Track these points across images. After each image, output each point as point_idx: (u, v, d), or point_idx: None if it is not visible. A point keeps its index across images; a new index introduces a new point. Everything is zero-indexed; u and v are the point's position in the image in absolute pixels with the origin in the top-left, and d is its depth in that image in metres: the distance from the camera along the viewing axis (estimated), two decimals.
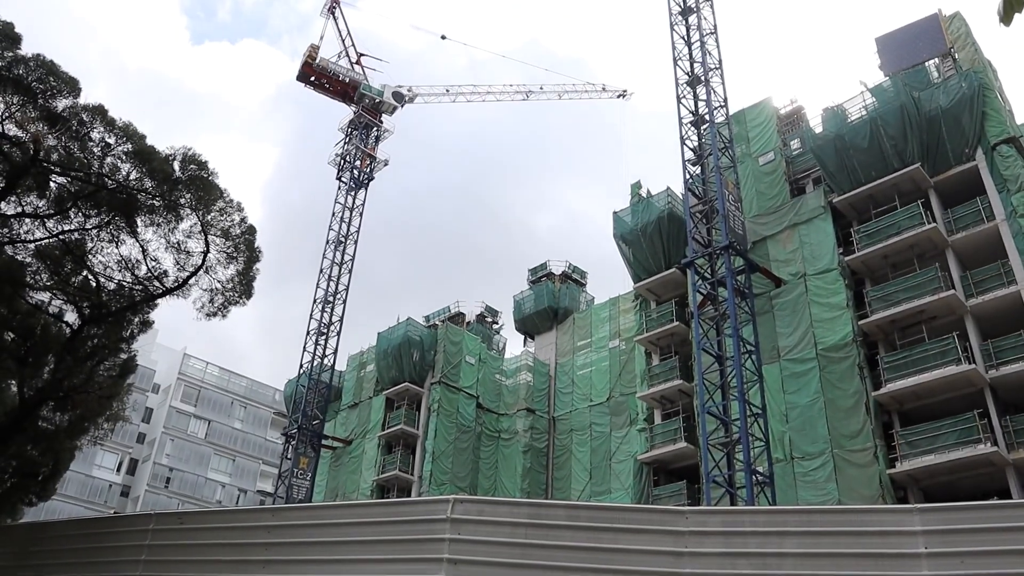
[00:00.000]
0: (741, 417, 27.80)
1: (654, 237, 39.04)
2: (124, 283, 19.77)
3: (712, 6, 36.48)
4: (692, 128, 34.53)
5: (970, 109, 30.20)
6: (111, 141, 17.98)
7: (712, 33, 35.78)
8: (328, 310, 48.36)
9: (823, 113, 34.29)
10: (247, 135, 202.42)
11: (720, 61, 35.28)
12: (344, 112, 55.40)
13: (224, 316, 20.22)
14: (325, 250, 49.97)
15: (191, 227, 19.16)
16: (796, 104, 38.79)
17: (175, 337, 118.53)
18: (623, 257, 41.02)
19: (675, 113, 35.12)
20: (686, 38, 36.08)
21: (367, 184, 53.00)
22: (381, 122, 54.84)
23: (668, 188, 39.90)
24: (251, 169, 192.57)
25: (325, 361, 47.69)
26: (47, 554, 14.39)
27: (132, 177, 18.23)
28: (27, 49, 16.97)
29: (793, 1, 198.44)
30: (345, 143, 53.94)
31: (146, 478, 71.71)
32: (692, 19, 36.21)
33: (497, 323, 58.04)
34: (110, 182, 18.09)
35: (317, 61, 53.47)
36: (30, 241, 18.75)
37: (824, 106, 34.46)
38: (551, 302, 50.59)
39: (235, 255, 19.60)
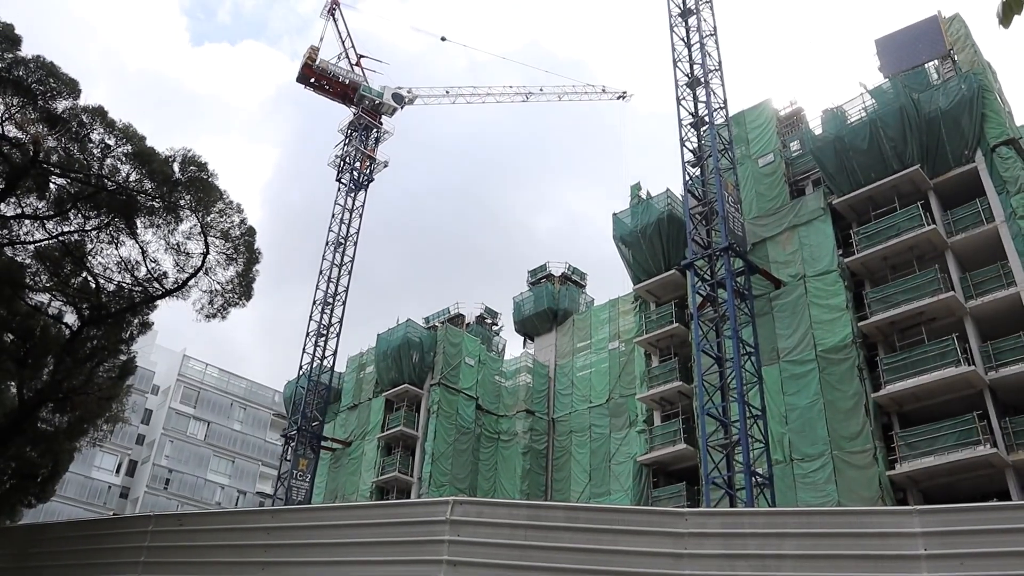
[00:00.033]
0: (741, 419, 27.80)
1: (654, 239, 39.05)
2: (124, 284, 19.78)
3: (712, 8, 36.53)
4: (692, 130, 34.56)
5: (970, 111, 30.22)
6: (111, 142, 17.99)
7: (712, 35, 35.82)
8: (328, 311, 48.38)
9: (823, 115, 34.31)
10: (247, 136, 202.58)
11: (720, 63, 35.34)
12: (344, 113, 55.52)
13: (224, 317, 20.24)
14: (325, 251, 50.02)
15: (191, 228, 19.17)
16: (796, 106, 38.83)
17: (175, 338, 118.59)
18: (623, 259, 41.03)
19: (675, 115, 35.20)
20: (686, 40, 36.11)
21: (367, 185, 53.05)
22: (381, 123, 54.89)
23: (668, 190, 39.94)
24: (251, 170, 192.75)
25: (325, 362, 47.70)
26: (46, 556, 14.39)
27: (132, 178, 18.23)
28: (27, 50, 17.00)
29: (793, 3, 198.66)
30: (345, 144, 53.97)
31: (145, 479, 71.67)
32: (692, 21, 36.25)
33: (497, 324, 58.04)
34: (110, 183, 18.09)
35: (317, 63, 53.51)
36: (30, 242, 18.75)
37: (824, 108, 34.54)
38: (551, 303, 50.59)
39: (235, 256, 19.61)
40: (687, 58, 35.69)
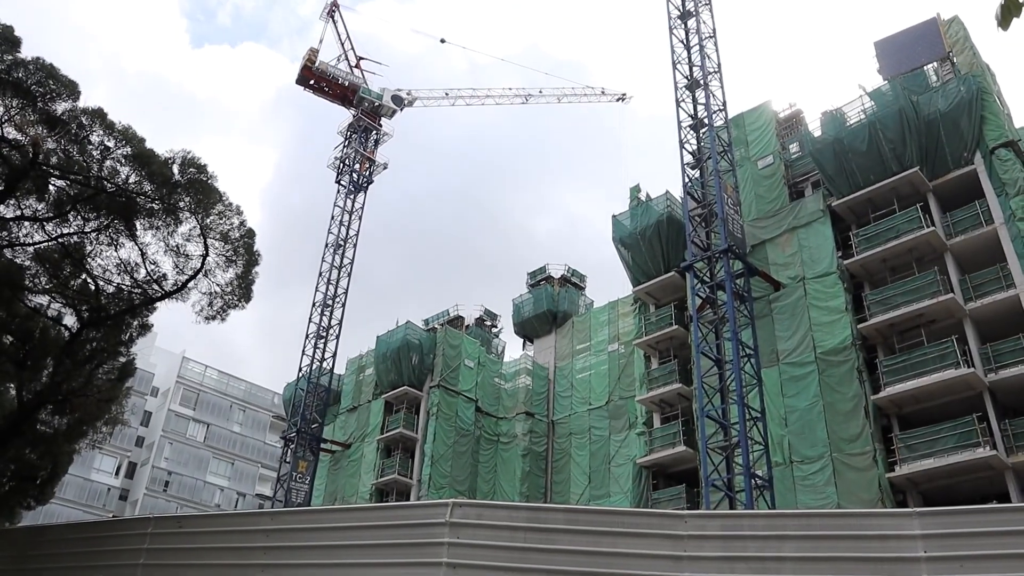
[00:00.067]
0: (740, 421, 27.79)
1: (653, 241, 39.06)
2: (123, 286, 19.79)
3: (711, 10, 36.57)
4: (691, 132, 34.57)
5: (969, 113, 30.24)
6: (110, 144, 18.00)
7: (711, 37, 35.84)
8: (327, 313, 48.40)
9: (822, 117, 34.32)
10: (247, 138, 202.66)
11: (719, 65, 35.36)
12: (343, 115, 55.57)
13: (223, 319, 20.26)
14: (324, 253, 50.07)
15: (190, 230, 19.18)
16: (795, 108, 38.82)
17: (174, 340, 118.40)
18: (622, 261, 41.03)
19: (674, 117, 35.23)
20: (685, 42, 36.14)
21: (366, 187, 53.09)
22: (380, 125, 54.92)
23: (667, 192, 39.95)
24: (251, 172, 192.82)
25: (324, 365, 47.72)
26: (45, 558, 14.38)
27: (131, 180, 18.25)
28: (27, 52, 17.03)
29: (792, 5, 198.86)
30: (344, 146, 54.01)
31: (145, 482, 71.63)
32: (691, 23, 36.27)
33: (496, 327, 58.06)
34: (109, 185, 18.11)
35: (316, 65, 53.54)
36: (29, 244, 18.76)
37: (823, 110, 34.54)
38: (550, 306, 50.59)
39: (234, 258, 19.63)
40: (686, 60, 35.72)
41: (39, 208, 18.50)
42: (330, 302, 48.65)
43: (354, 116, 54.30)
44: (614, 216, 41.47)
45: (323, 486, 49.18)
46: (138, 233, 19.07)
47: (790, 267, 33.19)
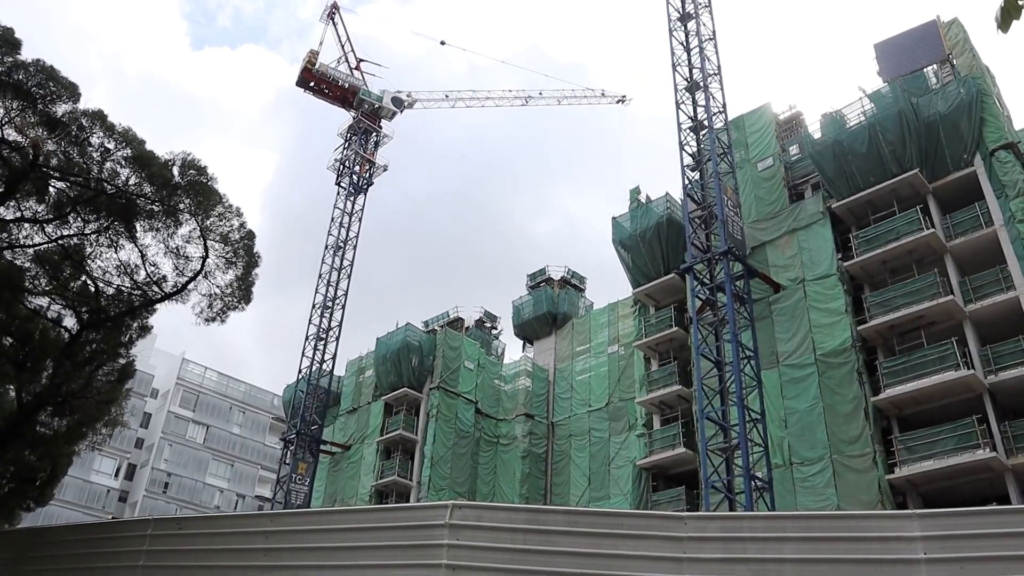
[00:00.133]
0: (740, 422, 27.78)
1: (653, 242, 39.06)
2: (123, 288, 19.80)
3: (711, 12, 36.58)
4: (691, 134, 34.57)
5: (968, 115, 30.25)
6: (110, 146, 18.02)
7: (711, 39, 35.85)
8: (327, 315, 48.39)
9: (822, 119, 34.32)
10: (247, 140, 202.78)
11: (719, 67, 35.36)
12: (343, 117, 55.60)
13: (223, 321, 20.28)
14: (324, 255, 50.08)
15: (190, 232, 19.20)
16: (795, 110, 38.81)
17: (174, 342, 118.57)
18: (622, 262, 41.04)
19: (674, 119, 35.22)
20: (685, 44, 36.16)
21: (366, 189, 53.10)
22: (380, 127, 54.94)
23: (667, 193, 39.97)
24: (251, 174, 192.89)
25: (324, 366, 47.72)
26: (45, 559, 14.37)
27: (131, 182, 18.26)
28: (27, 54, 17.06)
29: (792, 7, 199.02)
30: (344, 148, 54.04)
31: (144, 483, 71.61)
32: (691, 25, 36.29)
33: (496, 328, 58.05)
34: (109, 187, 18.12)
35: (316, 66, 53.57)
36: (29, 246, 18.77)
37: (823, 112, 34.51)
38: (550, 307, 50.59)
39: (234, 260, 19.64)
40: (686, 62, 35.73)
41: (39, 210, 18.52)
42: (330, 304, 48.66)
43: (354, 118, 54.32)
44: (614, 218, 41.49)
45: (323, 488, 49.16)
46: (138, 235, 19.10)
47: (790, 269, 33.19)
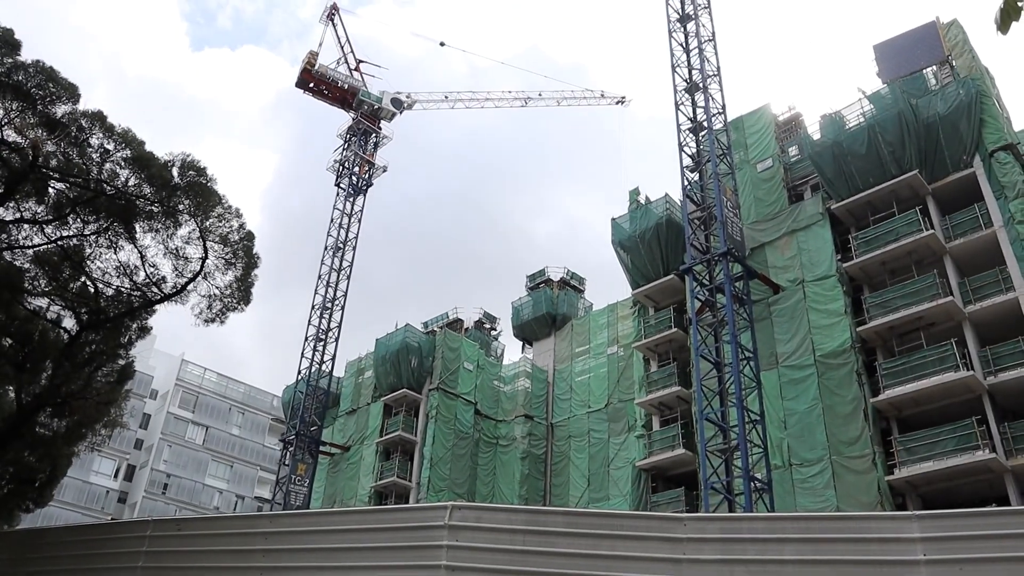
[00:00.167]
0: (739, 423, 27.78)
1: (652, 243, 39.07)
2: (122, 289, 19.79)
3: (710, 13, 36.59)
4: (690, 135, 34.58)
5: (968, 116, 30.27)
6: (110, 147, 18.02)
7: (710, 40, 35.86)
8: (327, 316, 48.37)
9: (821, 120, 34.33)
10: (247, 141, 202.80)
11: (718, 68, 35.37)
12: (343, 118, 55.58)
13: (222, 322, 20.27)
14: (324, 256, 50.04)
15: (190, 233, 19.20)
16: (794, 111, 38.85)
17: (173, 343, 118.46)
18: (621, 263, 41.04)
19: (673, 120, 35.21)
20: (684, 45, 36.17)
21: (366, 190, 53.09)
22: (380, 128, 54.92)
23: (666, 195, 39.97)
24: (250, 175, 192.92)
25: (323, 367, 47.68)
26: (44, 560, 14.36)
27: (131, 183, 18.26)
28: (26, 55, 17.05)
29: (791, 9, 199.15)
30: (344, 149, 54.03)
31: (143, 484, 71.57)
32: (690, 26, 36.30)
33: (495, 329, 58.03)
34: (109, 188, 18.12)
35: (316, 67, 53.55)
36: (29, 247, 18.77)
37: (822, 113, 34.52)
38: (549, 308, 50.59)
39: (233, 261, 19.64)
40: (686, 63, 35.74)
41: (39, 211, 18.52)
42: (329, 305, 48.64)
43: (353, 119, 54.31)
44: (613, 219, 41.50)
45: (322, 489, 49.14)
46: (137, 236, 19.10)
47: (789, 270, 33.20)
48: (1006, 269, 28.15)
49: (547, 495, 45.18)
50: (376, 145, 54.59)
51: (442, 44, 67.47)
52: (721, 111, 34.66)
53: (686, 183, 33.83)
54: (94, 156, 17.97)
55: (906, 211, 30.71)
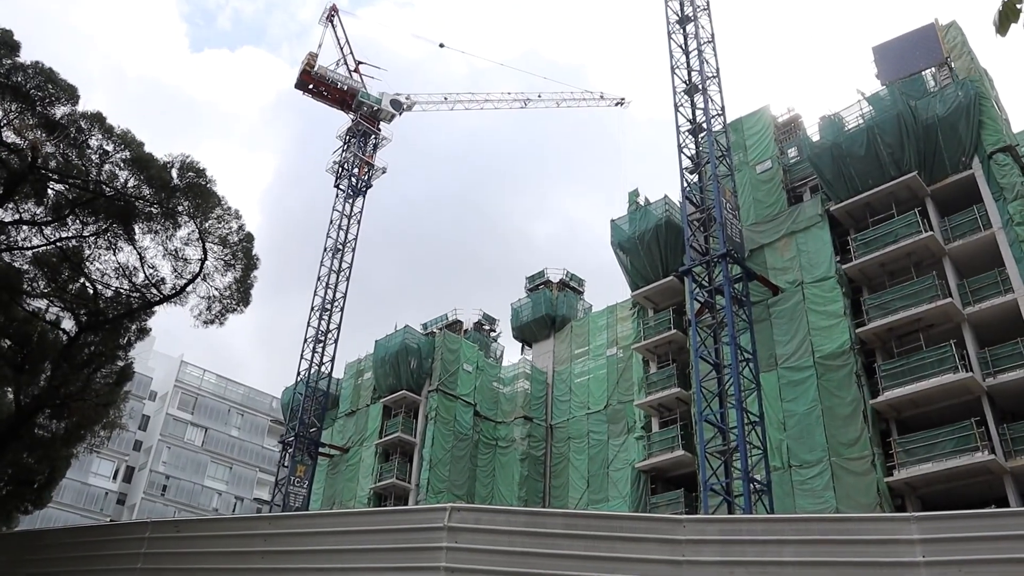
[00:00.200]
0: (739, 425, 27.78)
1: (652, 245, 39.06)
2: (121, 290, 19.79)
3: (709, 15, 36.62)
4: (690, 136, 34.59)
5: (966, 118, 30.30)
6: (109, 148, 18.02)
7: (709, 42, 35.88)
8: (326, 318, 48.33)
9: (820, 121, 34.34)
10: (246, 142, 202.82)
11: (717, 70, 35.39)
12: (342, 120, 55.55)
13: (222, 324, 20.28)
14: (323, 258, 50.02)
15: (189, 234, 19.21)
16: (793, 113, 38.85)
17: (172, 344, 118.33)
18: (621, 265, 41.03)
19: (673, 121, 35.22)
20: (684, 47, 36.18)
21: (365, 192, 53.08)
22: (379, 130, 54.90)
23: (666, 196, 39.96)
24: (250, 176, 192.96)
25: (322, 369, 47.65)
26: (42, 562, 14.34)
27: (130, 184, 18.27)
28: (26, 56, 17.04)
29: (790, 11, 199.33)
30: (343, 151, 54.02)
31: (142, 486, 71.53)
32: (690, 28, 36.31)
33: (495, 331, 57.98)
34: (108, 189, 18.12)
35: (315, 69, 53.53)
36: (27, 248, 18.77)
37: (821, 115, 34.53)
38: (549, 310, 50.56)
39: (233, 262, 19.64)
40: (685, 65, 35.76)
41: (38, 212, 18.52)
42: (329, 306, 48.62)
43: (353, 120, 54.30)
44: (613, 220, 41.48)
45: (321, 490, 49.11)
46: (137, 237, 19.10)
47: (788, 271, 33.21)
48: (1005, 271, 28.16)
49: (546, 497, 45.15)
50: (375, 146, 54.59)
51: (441, 46, 67.50)
52: (720, 113, 34.69)
53: (685, 184, 33.84)
54: (93, 157, 17.97)
55: (905, 213, 30.73)
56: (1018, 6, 5.10)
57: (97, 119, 17.85)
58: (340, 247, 50.17)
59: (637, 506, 35.84)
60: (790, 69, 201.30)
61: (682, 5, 36.86)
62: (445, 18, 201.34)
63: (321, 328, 47.94)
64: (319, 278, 49.34)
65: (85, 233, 18.98)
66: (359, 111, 54.08)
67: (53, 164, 17.86)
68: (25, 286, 18.92)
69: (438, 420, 45.34)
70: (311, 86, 53.89)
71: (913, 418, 28.75)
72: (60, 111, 17.50)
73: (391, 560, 10.27)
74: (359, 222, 51.55)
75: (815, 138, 34.52)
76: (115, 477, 71.60)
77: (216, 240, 19.26)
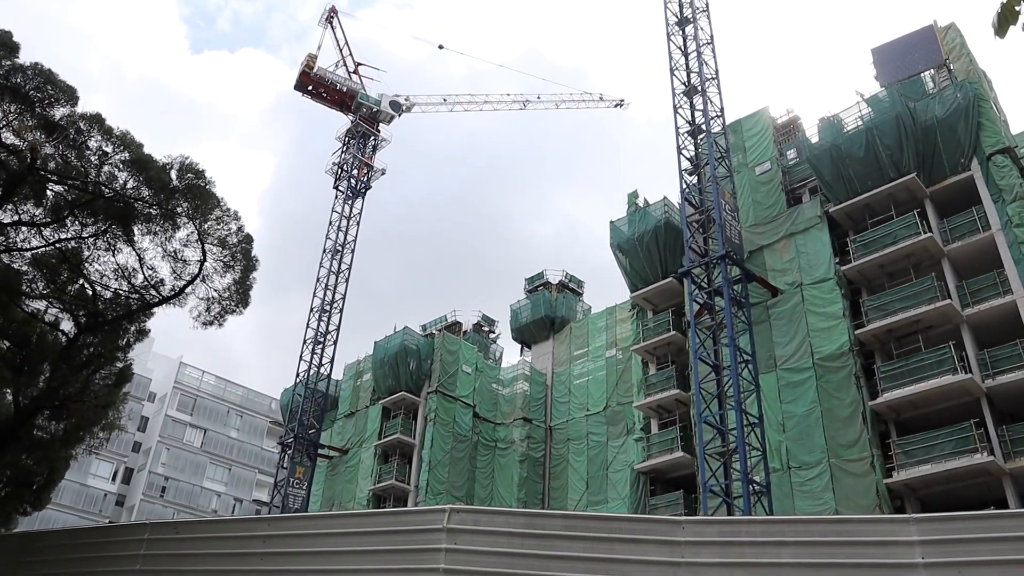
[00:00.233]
0: (738, 427, 27.78)
1: (651, 246, 39.06)
2: (120, 292, 19.78)
3: (708, 16, 36.67)
4: (689, 138, 34.61)
5: (965, 119, 30.31)
6: (108, 149, 18.02)
7: (709, 43, 35.92)
8: (325, 319, 48.33)
9: (819, 123, 34.36)
10: (246, 144, 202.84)
11: (717, 71, 35.42)
12: (342, 121, 55.60)
13: (221, 325, 20.27)
14: (322, 259, 50.02)
15: (188, 236, 19.21)
16: (792, 114, 38.85)
17: (171, 345, 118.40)
18: (620, 266, 41.03)
19: (672, 123, 35.26)
20: (683, 48, 36.21)
21: (364, 193, 53.09)
22: (378, 131, 54.92)
23: (665, 198, 39.97)
24: (249, 178, 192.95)
25: (322, 370, 47.63)
26: (41, 564, 14.33)
27: (129, 185, 18.27)
28: (25, 57, 17.06)
29: (790, 12, 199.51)
30: (343, 152, 54.03)
31: (141, 487, 71.46)
32: (689, 29, 36.35)
33: (494, 332, 57.97)
34: (107, 190, 18.12)
35: (315, 70, 53.54)
36: (27, 249, 18.76)
37: (820, 116, 34.54)
38: (548, 311, 50.57)
39: (232, 264, 19.64)
40: (684, 66, 35.79)
41: (37, 213, 18.51)
42: (328, 308, 48.61)
43: (352, 122, 54.32)
44: (612, 222, 41.48)
45: (320, 492, 49.09)
46: (136, 238, 19.09)
47: (788, 273, 33.22)
48: (1004, 272, 28.16)
49: (545, 498, 45.15)
50: (375, 148, 54.61)
51: (441, 47, 67.69)
52: (719, 114, 34.71)
53: (684, 186, 33.85)
54: (92, 158, 17.98)
55: (904, 214, 30.75)
56: (1016, 8, 5.11)
57: (96, 120, 17.86)
58: (339, 248, 50.17)
59: (636, 507, 35.83)
60: (789, 71, 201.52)
61: (681, 7, 36.89)
62: (444, 19, 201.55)
63: (320, 329, 47.94)
64: (318, 279, 49.37)
65: (84, 234, 18.98)
66: (358, 112, 54.10)
67: (52, 165, 17.86)
68: (24, 287, 18.92)
69: (437, 421, 45.34)
70: (310, 87, 53.90)
71: (912, 419, 28.76)
72: (59, 112, 17.51)
73: (390, 562, 10.27)
74: (358, 223, 51.61)
75: (814, 140, 34.54)
76: (114, 478, 71.55)
77: (215, 241, 19.26)
